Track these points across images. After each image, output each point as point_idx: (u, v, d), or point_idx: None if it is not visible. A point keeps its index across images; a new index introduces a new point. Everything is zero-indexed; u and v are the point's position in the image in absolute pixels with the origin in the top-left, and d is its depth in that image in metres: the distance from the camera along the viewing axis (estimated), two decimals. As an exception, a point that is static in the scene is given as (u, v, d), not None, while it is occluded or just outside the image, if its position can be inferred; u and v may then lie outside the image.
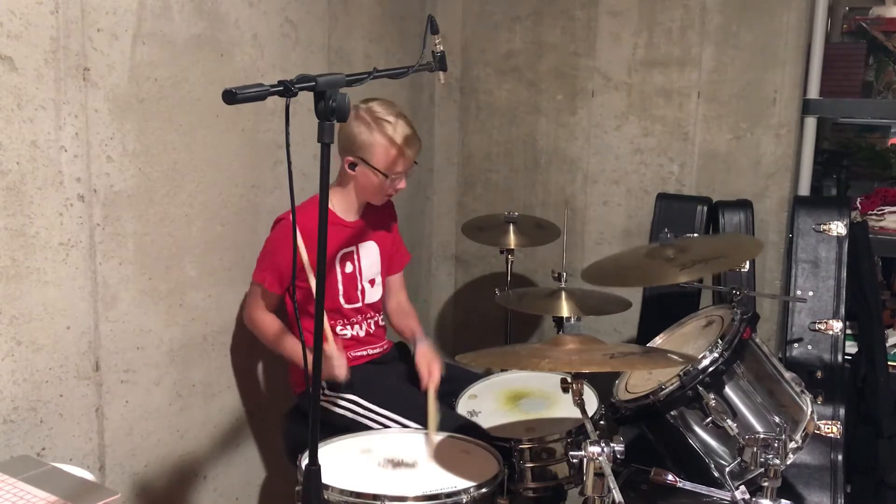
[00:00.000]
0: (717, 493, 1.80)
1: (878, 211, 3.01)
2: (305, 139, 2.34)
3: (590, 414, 1.93)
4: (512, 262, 2.86)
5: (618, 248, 3.16)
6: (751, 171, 2.98)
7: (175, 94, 2.03)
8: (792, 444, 1.85)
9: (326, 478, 1.57)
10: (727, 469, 1.87)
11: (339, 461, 1.88)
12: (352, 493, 1.71)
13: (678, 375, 1.89)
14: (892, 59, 3.13)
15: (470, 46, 3.33)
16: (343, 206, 2.27)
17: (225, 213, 2.24)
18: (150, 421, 2.08)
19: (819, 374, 2.49)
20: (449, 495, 1.72)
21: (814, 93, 2.94)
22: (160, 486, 2.14)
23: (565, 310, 2.43)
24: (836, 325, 2.47)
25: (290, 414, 2.33)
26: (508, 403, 2.27)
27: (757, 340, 2.04)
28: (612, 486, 1.51)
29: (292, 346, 2.18)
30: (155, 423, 2.09)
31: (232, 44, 2.20)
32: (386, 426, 2.12)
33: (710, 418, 1.86)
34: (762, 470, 1.70)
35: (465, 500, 1.72)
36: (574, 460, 1.55)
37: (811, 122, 2.97)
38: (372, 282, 2.34)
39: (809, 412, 1.95)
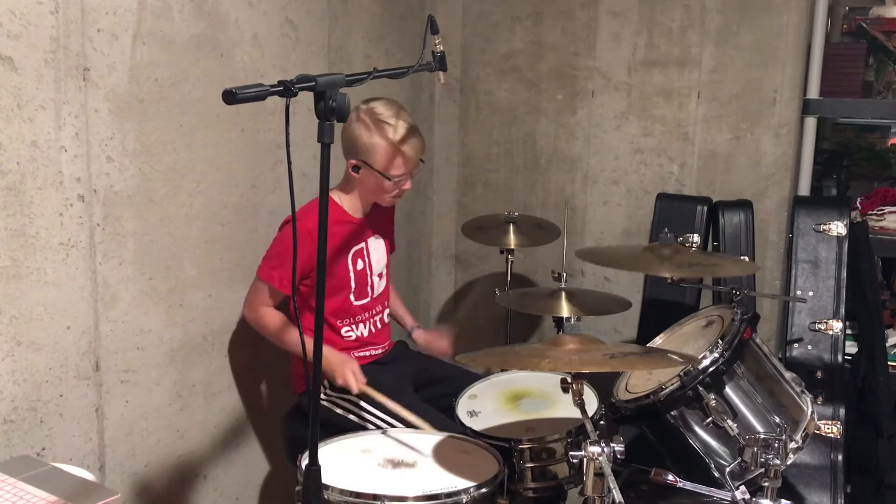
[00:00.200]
0: (717, 493, 1.80)
1: (878, 211, 3.01)
2: (305, 139, 2.34)
3: (590, 414, 1.93)
4: (512, 262, 2.86)
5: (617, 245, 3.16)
6: (751, 171, 2.98)
7: (175, 94, 2.03)
8: (792, 445, 1.85)
9: (326, 478, 1.57)
10: (727, 469, 1.87)
11: (339, 461, 1.88)
12: (352, 493, 1.71)
13: (678, 375, 1.89)
14: (892, 59, 3.13)
15: (470, 46, 3.33)
16: (351, 204, 2.27)
17: (225, 213, 2.24)
18: (150, 421, 2.08)
19: (819, 374, 2.49)
20: (449, 495, 1.72)
21: (814, 93, 2.94)
22: (160, 486, 2.14)
23: (565, 310, 2.43)
24: (836, 325, 2.47)
25: (290, 414, 2.33)
26: (508, 403, 2.27)
27: (757, 340, 2.04)
28: (612, 486, 1.50)
29: (296, 340, 2.18)
30: (155, 423, 2.09)
31: (232, 44, 2.20)
32: (387, 426, 2.12)
33: (710, 418, 1.86)
34: (762, 470, 1.70)
35: (465, 500, 1.71)
36: (574, 460, 1.55)
37: (811, 122, 2.98)
38: (380, 275, 2.36)
39: (809, 412, 1.95)
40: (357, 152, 2.17)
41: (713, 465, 1.91)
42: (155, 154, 1.99)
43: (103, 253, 1.89)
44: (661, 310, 2.76)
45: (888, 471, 2.58)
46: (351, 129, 2.16)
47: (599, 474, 1.53)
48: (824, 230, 2.60)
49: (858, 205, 3.07)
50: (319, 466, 1.48)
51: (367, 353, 2.33)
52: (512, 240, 2.78)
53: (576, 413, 1.68)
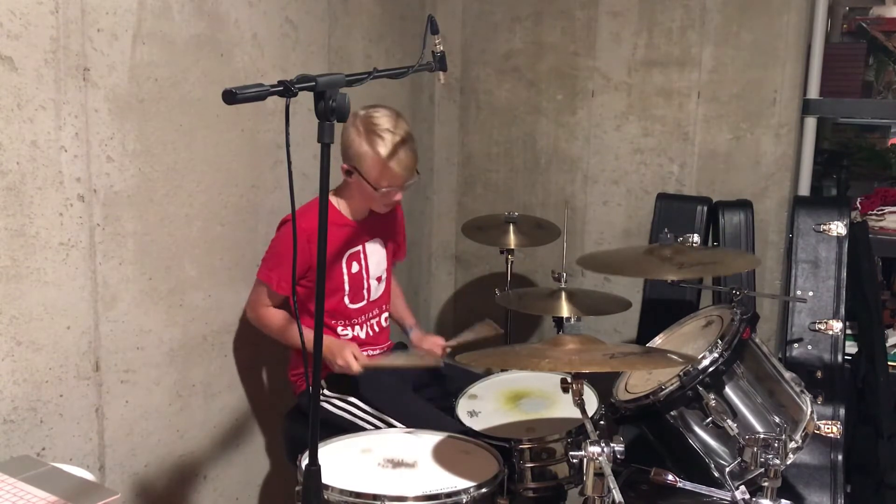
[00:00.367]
0: (717, 493, 1.80)
1: (878, 211, 3.01)
2: (305, 139, 2.34)
3: (590, 414, 1.93)
4: (512, 262, 2.86)
5: (617, 248, 3.15)
6: (751, 171, 2.98)
7: (175, 94, 2.03)
8: (792, 444, 1.85)
9: (326, 478, 1.57)
10: (727, 469, 1.87)
11: (339, 461, 1.88)
12: (352, 493, 1.71)
13: (678, 375, 1.89)
14: (892, 59, 3.13)
15: (470, 46, 3.33)
16: (348, 207, 2.27)
17: (225, 213, 2.24)
18: (150, 421, 2.08)
19: (819, 374, 2.49)
20: (449, 495, 1.72)
21: (814, 93, 2.94)
22: (160, 486, 2.14)
23: (565, 310, 2.43)
24: (836, 325, 2.47)
25: (290, 414, 2.33)
26: (508, 403, 2.27)
27: (757, 340, 2.04)
28: (612, 486, 1.50)
29: (298, 336, 2.18)
30: (155, 423, 2.09)
31: (232, 44, 2.20)
32: (385, 426, 2.12)
33: (710, 418, 1.86)
34: (762, 470, 1.70)
35: (465, 500, 1.71)
36: (574, 460, 1.55)
37: (811, 122, 2.98)
38: (379, 279, 2.35)
39: (809, 412, 1.95)
40: (349, 158, 2.16)
41: (713, 465, 1.91)
42: (155, 154, 1.99)
43: (103, 253, 1.89)
44: (661, 310, 2.76)
45: (888, 471, 2.58)
46: (347, 133, 2.16)
47: (599, 474, 1.53)
48: (824, 230, 2.60)
49: (858, 205, 3.07)
50: (319, 466, 1.48)
51: (365, 354, 2.33)
52: (512, 240, 2.78)
53: (576, 413, 1.68)
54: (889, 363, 2.72)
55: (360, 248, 2.29)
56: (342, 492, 1.71)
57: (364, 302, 2.31)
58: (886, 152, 3.59)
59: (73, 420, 1.86)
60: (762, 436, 1.71)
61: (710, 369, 1.88)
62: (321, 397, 2.18)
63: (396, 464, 1.88)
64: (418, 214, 3.39)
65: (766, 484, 1.69)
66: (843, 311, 2.53)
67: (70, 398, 1.85)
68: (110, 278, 1.91)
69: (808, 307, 2.55)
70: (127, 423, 2.01)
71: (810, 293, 2.57)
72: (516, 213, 2.83)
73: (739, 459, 1.79)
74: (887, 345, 2.78)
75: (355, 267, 2.27)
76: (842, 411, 2.39)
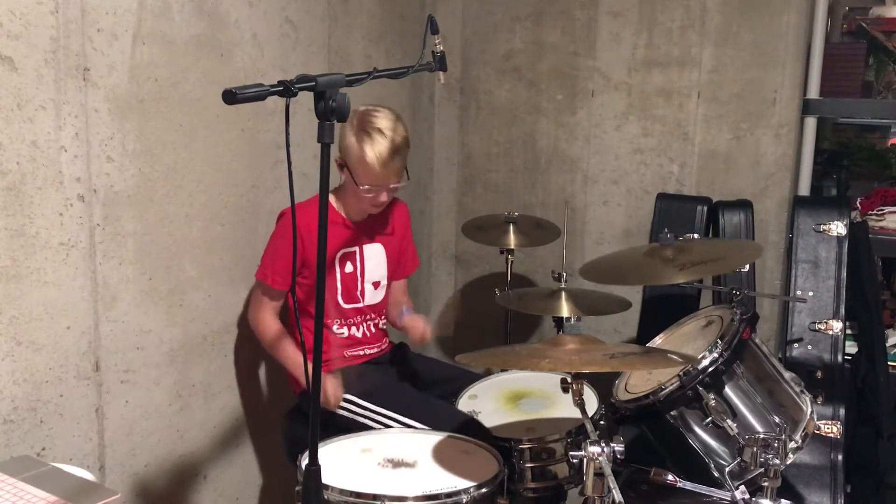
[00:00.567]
0: (717, 493, 1.80)
1: (878, 211, 3.01)
2: (305, 139, 2.34)
3: (590, 414, 1.93)
4: (512, 262, 2.86)
5: (618, 248, 3.15)
6: (751, 171, 2.98)
7: (175, 94, 2.03)
8: (792, 444, 1.85)
9: (326, 478, 1.57)
10: (727, 469, 1.87)
11: (339, 461, 1.88)
12: (352, 493, 1.71)
13: (678, 375, 1.89)
14: (892, 59, 3.13)
15: (470, 46, 3.33)
16: (345, 207, 2.26)
17: (225, 213, 2.24)
18: (150, 421, 2.08)
19: (819, 374, 2.49)
20: (449, 495, 1.72)
21: (814, 93, 2.94)
22: (160, 486, 2.14)
23: (565, 310, 2.43)
24: (836, 325, 2.47)
25: (290, 414, 2.33)
26: (508, 403, 2.27)
27: (756, 340, 2.04)
28: (612, 486, 1.51)
29: (287, 354, 2.19)
30: (155, 423, 2.09)
31: (232, 44, 2.20)
32: (386, 426, 2.12)
33: (709, 418, 1.86)
34: (762, 470, 1.70)
35: (465, 500, 1.71)
36: (574, 460, 1.55)
37: (811, 122, 2.98)
38: (376, 284, 2.33)
39: (809, 412, 1.95)
40: (342, 151, 2.17)
41: (713, 465, 1.91)
42: (155, 154, 1.99)
43: (103, 253, 1.89)
44: (661, 310, 2.76)
45: (888, 471, 2.58)
46: (343, 126, 2.15)
47: (599, 474, 1.53)
48: (824, 230, 2.60)
49: (858, 205, 3.07)
50: (319, 466, 1.48)
51: (361, 353, 2.34)
52: (512, 240, 2.78)
53: (576, 413, 1.69)
54: (889, 363, 2.72)
55: (356, 248, 2.28)
56: (342, 492, 1.71)
57: (360, 304, 2.31)
58: (886, 152, 3.59)
59: (73, 420, 1.86)
60: (762, 436, 1.71)
61: (710, 369, 1.88)
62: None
63: (396, 464, 1.88)
64: (418, 214, 3.39)
65: (765, 484, 1.69)
66: (843, 311, 2.53)
67: (70, 398, 1.85)
68: (110, 278, 1.91)
69: (808, 307, 2.55)
70: (127, 423, 2.01)
71: (810, 293, 2.57)
72: (516, 213, 2.83)
73: (739, 459, 1.79)
74: (887, 345, 2.78)
75: (349, 267, 2.27)
76: (842, 411, 2.39)
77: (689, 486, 1.78)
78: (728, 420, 1.85)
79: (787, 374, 2.03)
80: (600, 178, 3.20)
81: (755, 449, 1.70)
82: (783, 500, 1.70)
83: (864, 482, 2.59)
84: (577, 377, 1.68)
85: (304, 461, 1.55)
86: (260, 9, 2.29)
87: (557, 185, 3.27)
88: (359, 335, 2.32)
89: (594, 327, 3.13)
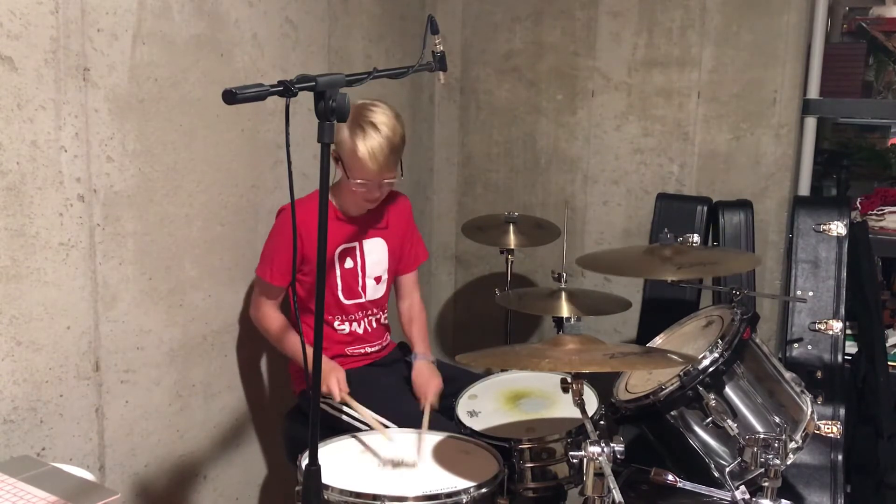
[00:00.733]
0: (717, 493, 1.80)
1: (878, 211, 3.01)
2: (305, 139, 2.34)
3: (590, 414, 1.93)
4: (512, 262, 2.86)
5: (618, 247, 3.15)
6: (751, 171, 2.98)
7: (175, 94, 2.03)
8: (792, 445, 1.85)
9: (326, 478, 1.57)
10: (727, 469, 1.87)
11: (339, 461, 1.88)
12: (352, 493, 1.71)
13: (678, 375, 1.89)
14: (892, 59, 3.13)
15: (470, 46, 3.33)
16: (344, 202, 2.25)
17: (225, 213, 2.24)
18: (150, 421, 2.08)
19: (819, 374, 2.49)
20: (449, 495, 1.72)
21: (814, 93, 2.94)
22: (160, 486, 2.14)
23: (565, 310, 2.43)
24: (836, 325, 2.46)
25: (290, 414, 2.33)
26: (508, 403, 2.27)
27: (757, 340, 2.04)
28: (612, 486, 1.50)
29: (294, 345, 2.18)
30: (155, 423, 2.09)
31: (232, 44, 2.20)
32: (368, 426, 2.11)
33: (710, 418, 1.86)
34: (762, 470, 1.70)
35: (465, 500, 1.72)
36: (574, 460, 1.55)
37: (811, 122, 2.98)
38: (378, 279, 2.32)
39: (809, 412, 1.95)
40: (337, 143, 2.14)
41: (713, 465, 1.91)
42: (155, 154, 1.99)
43: (103, 253, 1.89)
44: (661, 310, 2.76)
45: (888, 471, 2.58)
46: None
47: (599, 474, 1.53)
48: (824, 230, 2.59)
49: (858, 205, 3.07)
50: (319, 466, 1.48)
51: (363, 351, 2.33)
52: (512, 240, 2.78)
53: (576, 413, 1.68)
54: (889, 363, 2.72)
55: (355, 244, 2.28)
56: (342, 492, 1.71)
57: (361, 299, 2.30)
58: (886, 152, 3.59)
59: (73, 420, 1.86)
60: (762, 436, 1.71)
61: (711, 369, 1.88)
62: (321, 398, 2.18)
63: (396, 464, 1.88)
64: (418, 214, 3.38)
65: (766, 484, 1.69)
66: (843, 311, 2.53)
67: (70, 398, 1.85)
68: (110, 278, 1.91)
69: (808, 307, 2.55)
70: (127, 423, 2.01)
71: (810, 293, 2.57)
72: (516, 213, 2.83)
73: (739, 459, 1.79)
74: (887, 345, 2.78)
75: (349, 263, 2.26)
76: (842, 411, 2.39)
77: (689, 486, 1.78)
78: (728, 420, 1.85)
79: (788, 375, 2.03)
80: (600, 178, 3.20)
81: (755, 449, 1.70)
82: (783, 501, 1.70)
83: (864, 482, 2.59)
84: (577, 377, 1.68)
85: (304, 461, 1.55)
86: (260, 9, 2.29)
87: (557, 185, 3.27)
88: (360, 331, 2.32)
89: (594, 327, 3.13)
